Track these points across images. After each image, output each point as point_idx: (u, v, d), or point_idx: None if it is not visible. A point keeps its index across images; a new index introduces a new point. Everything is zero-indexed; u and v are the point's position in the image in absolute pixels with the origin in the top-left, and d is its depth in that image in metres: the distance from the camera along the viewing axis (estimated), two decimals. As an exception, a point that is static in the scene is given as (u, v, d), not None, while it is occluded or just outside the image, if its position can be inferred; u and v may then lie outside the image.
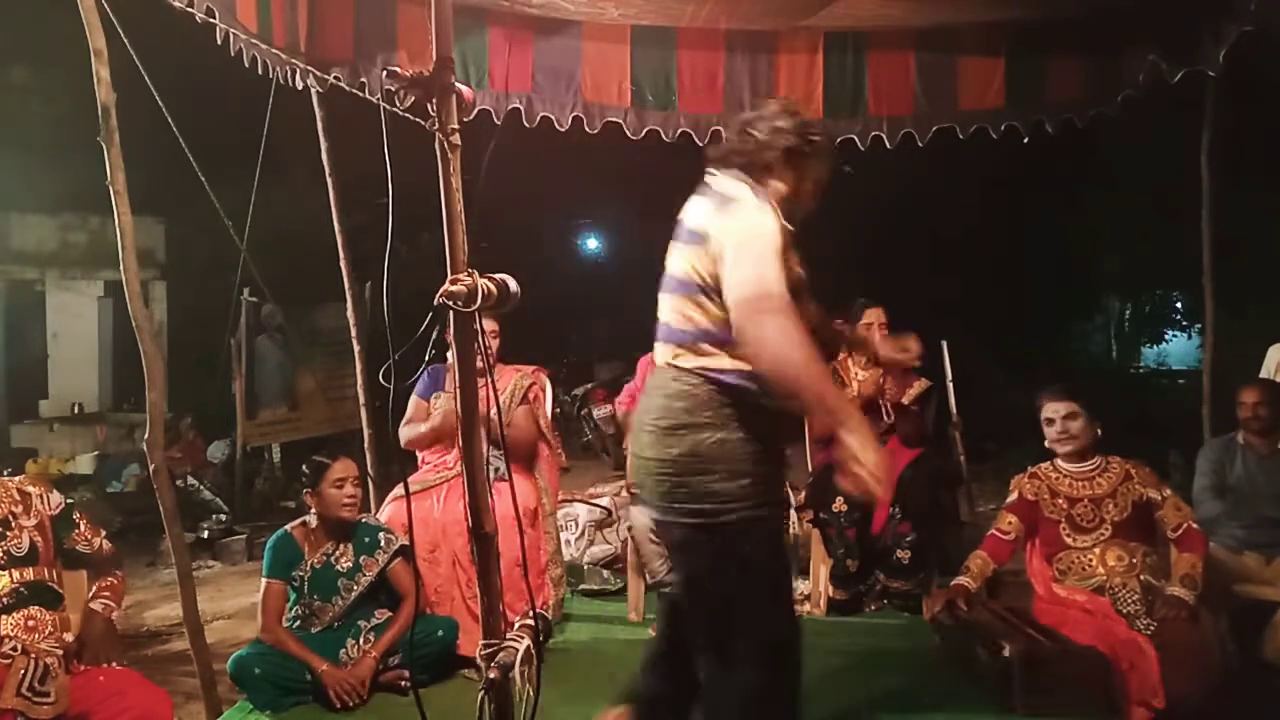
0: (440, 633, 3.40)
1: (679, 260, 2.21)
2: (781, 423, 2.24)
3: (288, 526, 3.49)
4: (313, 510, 3.44)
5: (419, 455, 4.01)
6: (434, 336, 1.82)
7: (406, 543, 3.47)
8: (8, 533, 2.54)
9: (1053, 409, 3.32)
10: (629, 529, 4.14)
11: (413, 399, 3.99)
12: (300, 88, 3.98)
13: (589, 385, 11.54)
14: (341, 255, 4.51)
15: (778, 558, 2.29)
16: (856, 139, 4.34)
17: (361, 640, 3.35)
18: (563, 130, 4.24)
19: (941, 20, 4.14)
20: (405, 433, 3.92)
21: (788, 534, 4.38)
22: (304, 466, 3.49)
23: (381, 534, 3.49)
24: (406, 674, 3.27)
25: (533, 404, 4.04)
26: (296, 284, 7.21)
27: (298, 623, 3.41)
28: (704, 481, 2.09)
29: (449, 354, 3.76)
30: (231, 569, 6.08)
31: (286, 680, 3.20)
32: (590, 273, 16.56)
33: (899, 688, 3.32)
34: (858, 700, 3.15)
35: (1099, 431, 3.32)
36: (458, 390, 1.79)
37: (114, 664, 2.56)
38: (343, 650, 3.31)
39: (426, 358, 2.00)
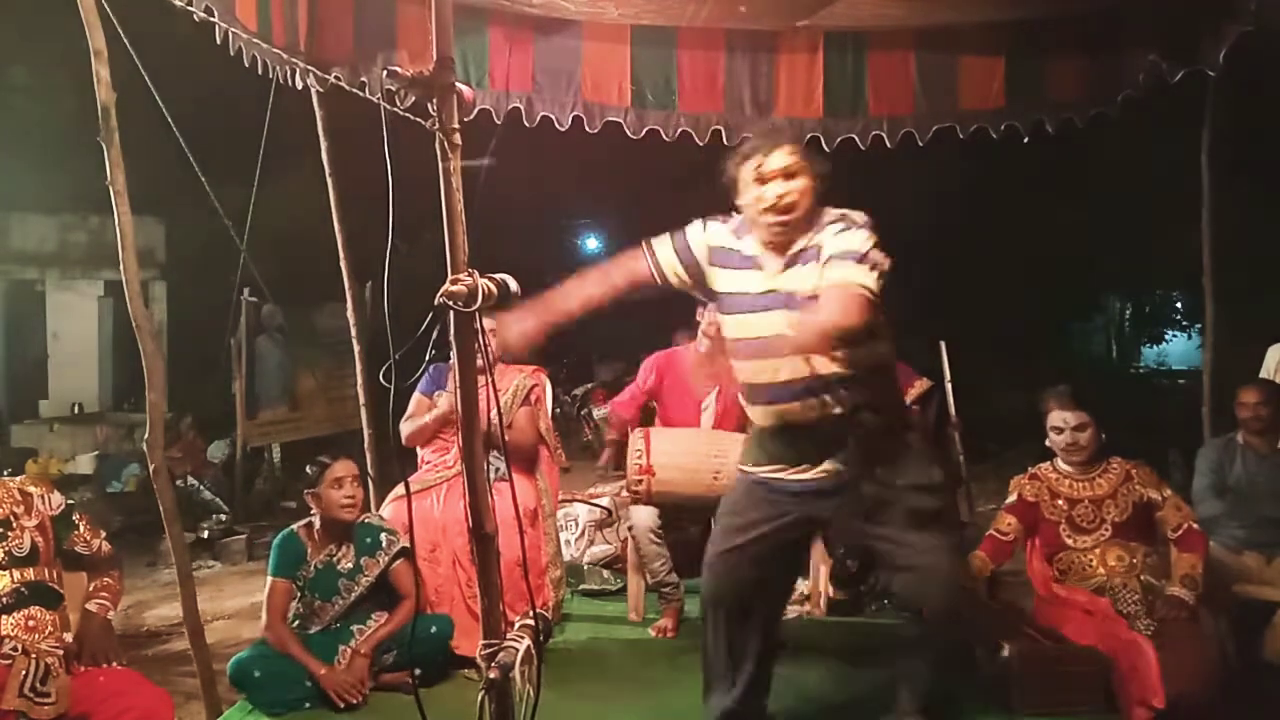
0: (434, 629, 3.39)
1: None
2: None
3: (294, 526, 3.50)
4: (315, 511, 3.45)
5: (419, 455, 4.01)
6: (434, 336, 1.82)
7: (408, 544, 3.47)
8: (9, 533, 2.54)
9: (1062, 418, 3.31)
10: (629, 529, 4.15)
11: (415, 396, 3.99)
12: (300, 88, 3.98)
13: (589, 385, 11.55)
14: (341, 255, 4.51)
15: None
16: (857, 139, 4.34)
17: (353, 645, 3.34)
18: (563, 130, 4.24)
19: (941, 20, 4.13)
20: (407, 427, 3.91)
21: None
22: (306, 468, 3.49)
23: (383, 534, 3.49)
24: (408, 674, 3.27)
25: (535, 405, 4.04)
26: (296, 284, 7.21)
27: (297, 622, 3.41)
28: None
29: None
30: (231, 569, 6.08)
31: (286, 684, 3.20)
32: (590, 273, 16.55)
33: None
34: (858, 700, 3.15)
35: (1103, 436, 3.32)
36: (458, 390, 1.79)
37: (114, 664, 2.56)
38: (336, 657, 3.30)
39: (427, 357, 2.00)
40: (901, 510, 2.55)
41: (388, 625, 3.38)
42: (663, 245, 2.68)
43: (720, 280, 2.63)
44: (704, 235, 2.66)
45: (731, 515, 2.75)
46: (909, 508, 2.55)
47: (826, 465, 2.57)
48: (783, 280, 2.53)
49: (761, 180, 2.51)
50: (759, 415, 2.64)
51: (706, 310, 4.12)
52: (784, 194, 2.49)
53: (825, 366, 2.47)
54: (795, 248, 2.53)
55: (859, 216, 2.51)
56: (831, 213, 2.55)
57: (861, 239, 2.41)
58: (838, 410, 2.50)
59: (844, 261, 2.37)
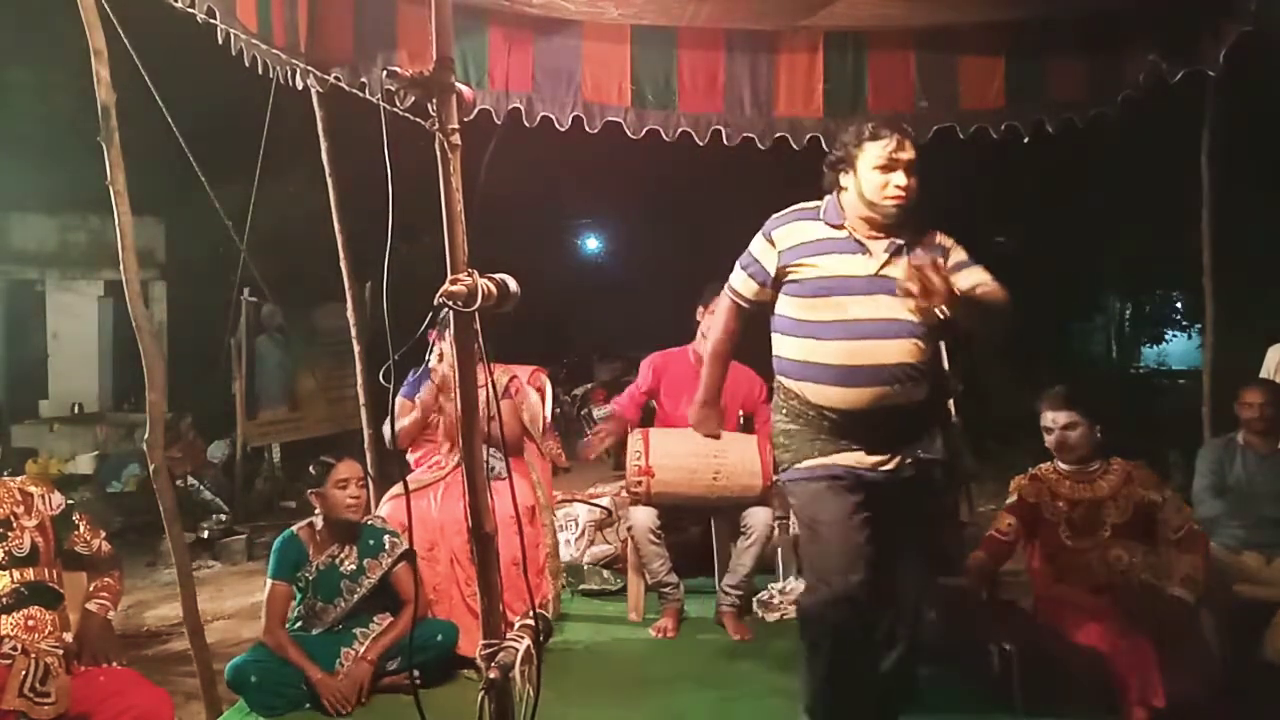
0: (439, 637, 3.39)
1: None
2: None
3: (294, 527, 3.49)
4: (318, 511, 3.45)
5: (411, 458, 4.01)
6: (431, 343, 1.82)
7: (411, 547, 3.46)
8: (9, 533, 2.54)
9: (1051, 418, 3.31)
10: (629, 529, 4.15)
11: (399, 400, 4.00)
12: (300, 88, 3.98)
13: (589, 385, 11.57)
14: (341, 255, 4.51)
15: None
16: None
17: (355, 648, 3.34)
18: (563, 130, 4.24)
19: (941, 20, 4.13)
20: (397, 426, 3.93)
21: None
22: (310, 467, 3.49)
23: (386, 537, 3.48)
24: (408, 676, 3.27)
25: (515, 398, 4.06)
26: (296, 284, 7.21)
27: (299, 623, 3.41)
28: None
29: (430, 357, 3.77)
30: (231, 569, 6.08)
31: (283, 688, 3.20)
32: (590, 273, 16.58)
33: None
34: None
35: (1099, 435, 3.31)
36: (458, 390, 1.79)
37: (114, 664, 2.56)
38: (338, 660, 3.30)
39: (426, 357, 2.00)
40: (922, 514, 2.66)
41: (391, 632, 3.37)
42: (739, 279, 2.78)
43: (816, 266, 2.63)
44: (776, 241, 2.69)
45: (836, 529, 2.60)
46: (931, 513, 2.69)
47: (908, 454, 2.61)
48: (890, 269, 2.59)
49: (891, 167, 2.58)
50: (858, 397, 2.55)
51: (705, 311, 4.12)
52: (907, 186, 2.59)
53: (921, 354, 2.57)
54: (896, 240, 2.62)
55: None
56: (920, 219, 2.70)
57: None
58: (923, 397, 2.59)
59: (976, 266, 2.69)
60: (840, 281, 2.60)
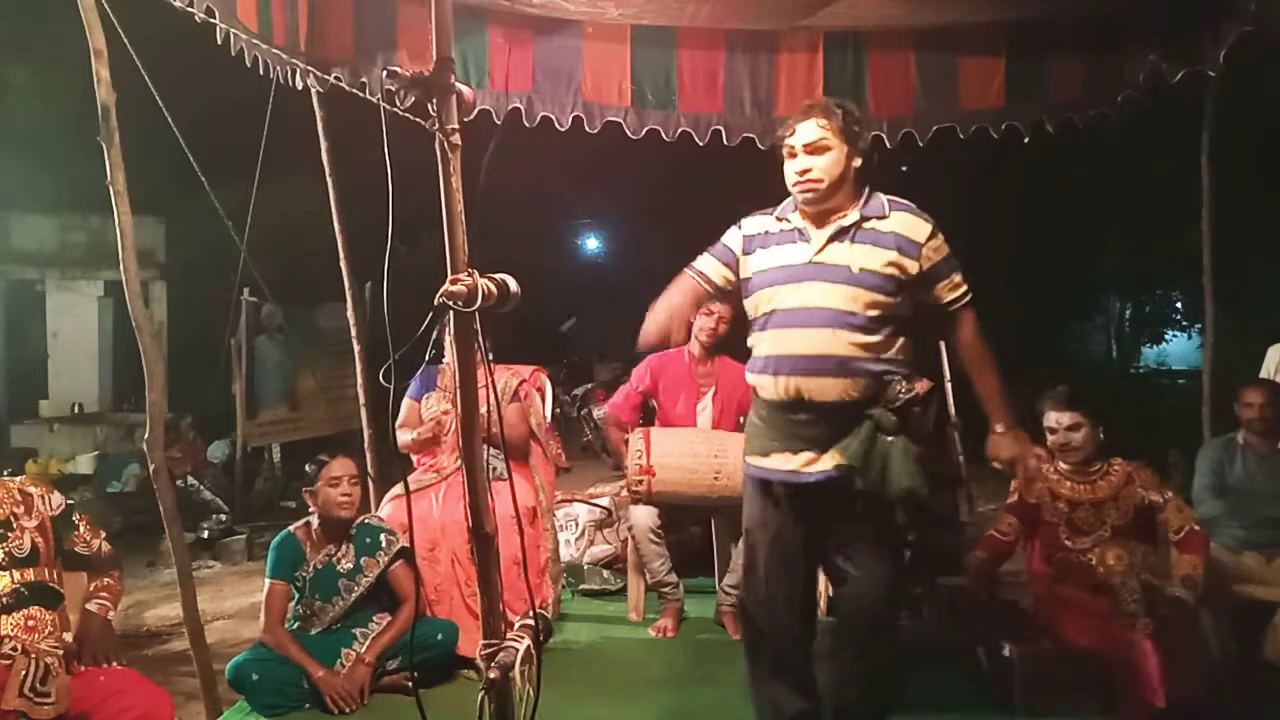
0: (439, 636, 3.39)
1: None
2: None
3: (291, 527, 3.49)
4: (313, 510, 3.45)
5: (414, 457, 4.02)
6: (434, 337, 1.82)
7: (407, 545, 3.46)
8: (9, 534, 2.54)
9: (1055, 419, 3.31)
10: (629, 529, 4.15)
11: (405, 402, 4.00)
12: (300, 88, 3.98)
13: (589, 385, 11.56)
14: (341, 255, 4.52)
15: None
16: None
17: (355, 648, 3.34)
18: (563, 130, 4.25)
19: (941, 20, 4.14)
20: (403, 435, 3.96)
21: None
22: (306, 466, 3.49)
23: (383, 534, 3.48)
24: (407, 676, 3.27)
25: (524, 401, 4.06)
26: (296, 284, 7.21)
27: (298, 624, 3.41)
28: None
29: (444, 353, 3.78)
30: (231, 569, 6.08)
31: (284, 686, 3.20)
32: (590, 273, 16.58)
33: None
34: (858, 700, 3.14)
35: (1101, 435, 3.31)
36: (458, 390, 1.79)
37: (114, 664, 2.56)
38: (338, 660, 3.30)
39: (426, 358, 2.00)
40: (870, 521, 2.54)
41: (390, 631, 3.37)
42: (703, 259, 2.73)
43: (757, 260, 2.63)
44: (738, 232, 2.70)
45: (759, 533, 2.69)
46: (878, 520, 2.54)
47: (831, 458, 2.50)
48: (826, 254, 2.54)
49: (792, 154, 2.55)
50: (777, 388, 2.54)
51: (700, 313, 4.11)
52: (807, 169, 2.52)
53: (852, 348, 2.48)
54: (841, 223, 2.55)
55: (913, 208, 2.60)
56: (892, 200, 2.60)
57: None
58: (855, 395, 2.49)
59: (953, 275, 2.61)
60: (777, 272, 2.58)
